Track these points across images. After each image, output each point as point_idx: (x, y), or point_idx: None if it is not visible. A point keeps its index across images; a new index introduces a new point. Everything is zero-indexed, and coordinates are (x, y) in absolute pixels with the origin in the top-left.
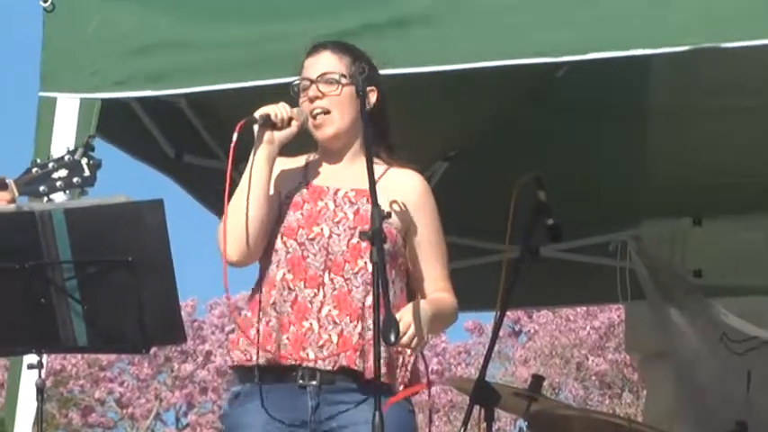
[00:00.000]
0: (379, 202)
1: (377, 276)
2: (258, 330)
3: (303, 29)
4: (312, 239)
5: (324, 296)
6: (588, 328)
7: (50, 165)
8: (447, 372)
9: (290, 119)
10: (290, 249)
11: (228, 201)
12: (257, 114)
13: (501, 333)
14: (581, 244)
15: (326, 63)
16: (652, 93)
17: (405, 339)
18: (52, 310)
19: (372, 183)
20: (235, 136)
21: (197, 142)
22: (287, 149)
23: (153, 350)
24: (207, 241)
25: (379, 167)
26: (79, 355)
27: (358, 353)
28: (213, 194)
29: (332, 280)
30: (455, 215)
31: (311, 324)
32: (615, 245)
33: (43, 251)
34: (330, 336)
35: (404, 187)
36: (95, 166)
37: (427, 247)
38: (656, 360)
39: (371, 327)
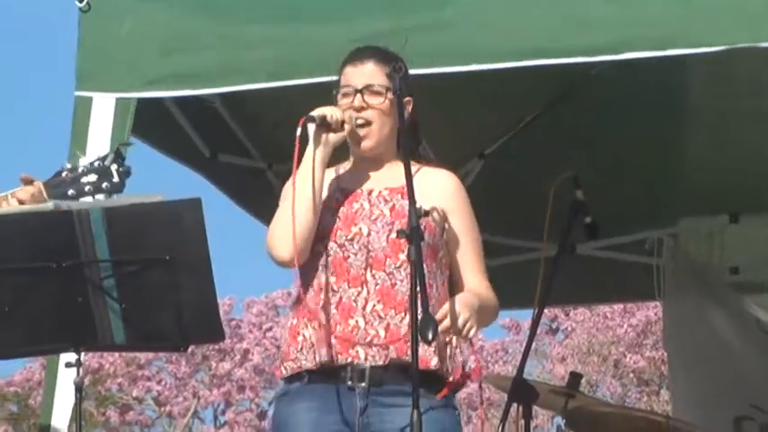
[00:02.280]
0: (421, 195)
1: (414, 275)
2: (305, 336)
3: (337, 30)
4: (351, 240)
5: (367, 293)
6: (626, 325)
7: (80, 169)
8: (484, 370)
9: (343, 122)
10: (331, 252)
11: (293, 194)
12: (315, 114)
13: (538, 331)
14: (618, 242)
15: (372, 74)
16: (689, 91)
17: (458, 326)
18: (90, 308)
19: (410, 182)
20: (298, 131)
21: (232, 141)
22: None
23: (190, 348)
24: (244, 240)
25: (412, 168)
26: (117, 354)
27: (407, 344)
28: (248, 193)
29: (374, 276)
30: (492, 213)
31: (357, 321)
32: (652, 242)
33: (81, 250)
34: (377, 331)
35: (438, 186)
36: (125, 173)
37: (465, 245)
38: (690, 355)
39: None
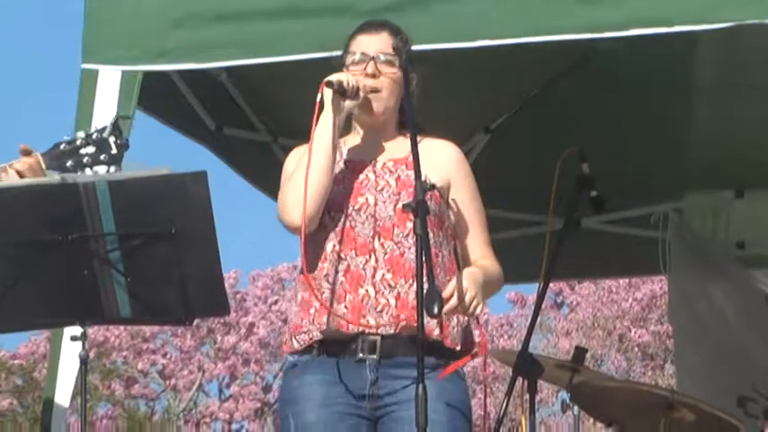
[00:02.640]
0: (424, 164)
1: (420, 249)
2: (316, 308)
3: (349, 3)
4: (358, 210)
5: (376, 261)
6: (630, 299)
7: (78, 141)
8: (489, 344)
9: (358, 89)
10: (338, 221)
11: (309, 158)
12: (333, 79)
13: (543, 305)
14: (623, 216)
15: (386, 43)
16: (696, 67)
17: (465, 303)
18: (95, 281)
19: (416, 155)
20: (319, 96)
21: (237, 115)
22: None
23: (195, 322)
24: (249, 213)
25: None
26: (122, 327)
27: (416, 312)
28: (253, 166)
29: (382, 245)
30: (497, 187)
31: (367, 290)
32: (657, 216)
33: (87, 223)
34: (388, 299)
35: (440, 157)
36: (122, 145)
37: (468, 214)
38: (695, 329)
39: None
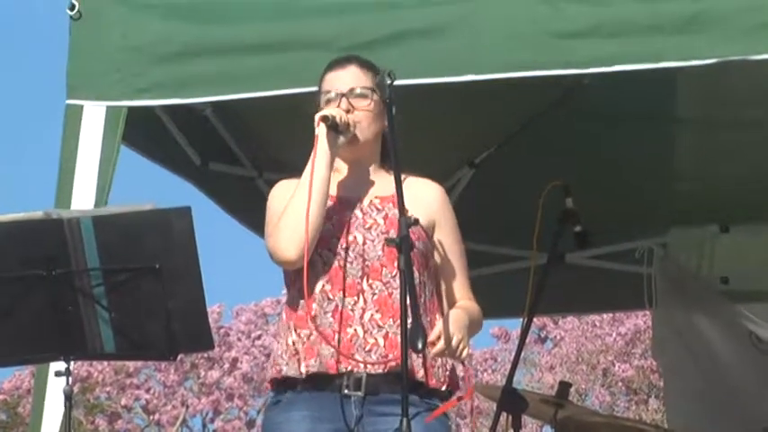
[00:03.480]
0: (410, 203)
1: (404, 284)
2: (287, 344)
3: (330, 37)
4: (347, 248)
5: (365, 302)
6: (614, 334)
7: None
8: (473, 378)
9: (349, 125)
10: (326, 260)
11: (309, 191)
12: (329, 113)
13: (527, 339)
14: (607, 251)
15: (356, 77)
16: (680, 102)
17: (452, 347)
18: (79, 317)
19: (400, 190)
20: (317, 129)
21: (222, 150)
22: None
23: (179, 357)
24: (233, 247)
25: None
26: (106, 362)
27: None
28: (238, 201)
29: (370, 285)
30: (482, 221)
31: (356, 330)
32: (642, 251)
33: (71, 258)
34: (376, 339)
35: (425, 196)
36: None
37: (453, 257)
38: (681, 365)
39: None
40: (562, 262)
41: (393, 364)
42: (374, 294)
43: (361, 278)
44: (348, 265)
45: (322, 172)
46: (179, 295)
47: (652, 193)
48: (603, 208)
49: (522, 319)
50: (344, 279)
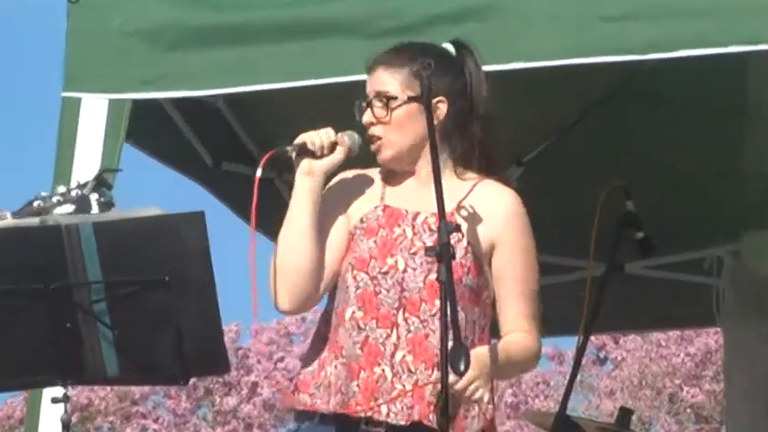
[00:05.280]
0: (467, 221)
1: (445, 298)
2: (326, 373)
3: (359, 21)
4: (385, 273)
5: (398, 338)
6: (682, 354)
7: (55, 198)
8: (523, 405)
9: (334, 144)
10: (361, 284)
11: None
12: (296, 141)
13: (584, 361)
14: (673, 260)
15: (380, 81)
16: (751, 91)
17: (466, 391)
18: (79, 336)
19: (440, 193)
20: (259, 171)
21: (237, 148)
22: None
23: (192, 381)
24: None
25: (466, 183)
26: (108, 388)
27: (432, 406)
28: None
29: (406, 320)
30: (531, 227)
31: (383, 371)
32: (711, 261)
33: (69, 270)
34: (404, 385)
35: (492, 205)
36: (106, 203)
37: (511, 279)
38: (751, 393)
39: None
40: (622, 273)
41: (416, 417)
42: (409, 332)
43: (397, 310)
44: (384, 292)
45: (300, 206)
46: (191, 311)
47: (722, 194)
48: (668, 211)
49: (577, 338)
50: (379, 308)
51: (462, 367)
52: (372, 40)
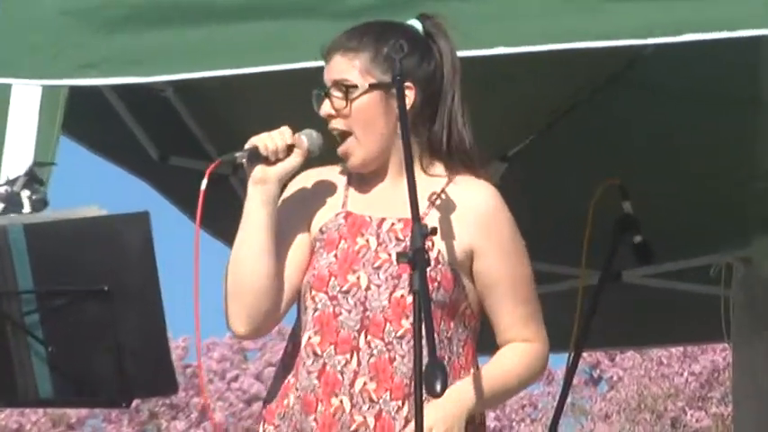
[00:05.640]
0: (438, 226)
1: (418, 309)
2: (289, 403)
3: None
4: (346, 292)
5: (358, 364)
6: (686, 374)
7: None
8: (507, 429)
9: (291, 146)
10: (319, 305)
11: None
12: (247, 145)
13: (575, 380)
14: (675, 267)
15: (338, 69)
16: (764, 81)
17: None
18: (8, 352)
19: (413, 192)
20: (204, 183)
21: (186, 141)
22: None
23: (135, 404)
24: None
25: (438, 180)
26: (41, 411)
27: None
28: (207, 206)
29: (369, 343)
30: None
31: (341, 402)
32: (718, 268)
33: None
34: (365, 418)
35: (466, 206)
36: (39, 201)
37: (499, 285)
38: (760, 417)
39: None
40: (618, 282)
41: None
42: (371, 356)
43: (359, 332)
44: (345, 313)
45: (254, 218)
46: (134, 325)
47: (730, 195)
48: (670, 213)
49: (568, 355)
50: (338, 331)
51: (439, 388)
52: (341, 21)
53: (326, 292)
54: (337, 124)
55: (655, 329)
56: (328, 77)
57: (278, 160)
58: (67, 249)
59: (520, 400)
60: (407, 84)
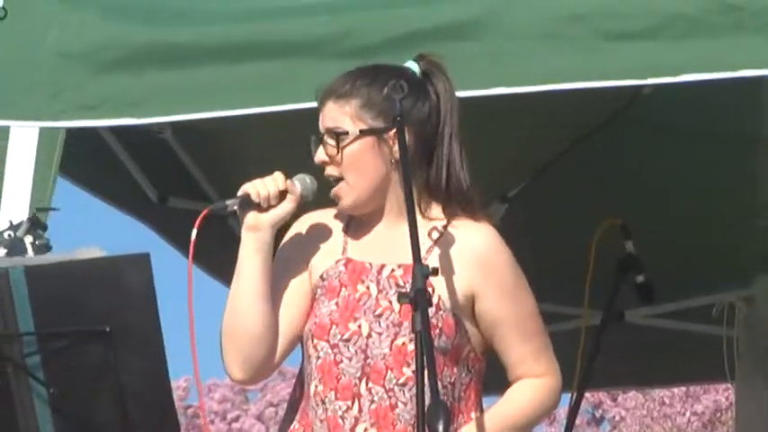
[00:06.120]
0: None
1: (421, 350)
2: None
3: (323, 40)
4: (347, 340)
5: (359, 411)
6: (688, 413)
7: None
8: None
9: (284, 192)
10: (321, 354)
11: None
12: (240, 192)
13: (578, 421)
14: (678, 307)
15: (330, 116)
16: (764, 119)
17: None
18: (9, 394)
19: (415, 233)
20: (194, 234)
21: (185, 182)
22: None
23: None
24: (202, 305)
25: (436, 224)
26: None
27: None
28: (206, 247)
29: (369, 390)
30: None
31: None
32: (720, 308)
33: None
34: None
35: (464, 248)
36: (42, 246)
37: (504, 325)
38: None
39: None
40: (621, 321)
41: None
42: (372, 402)
43: (359, 379)
44: (345, 361)
45: (248, 264)
46: (135, 366)
47: (732, 233)
48: (671, 253)
49: (570, 395)
50: (339, 378)
51: (441, 428)
52: (339, 61)
53: (328, 341)
54: (331, 171)
55: (657, 369)
56: (322, 125)
57: (270, 207)
58: (69, 291)
59: None
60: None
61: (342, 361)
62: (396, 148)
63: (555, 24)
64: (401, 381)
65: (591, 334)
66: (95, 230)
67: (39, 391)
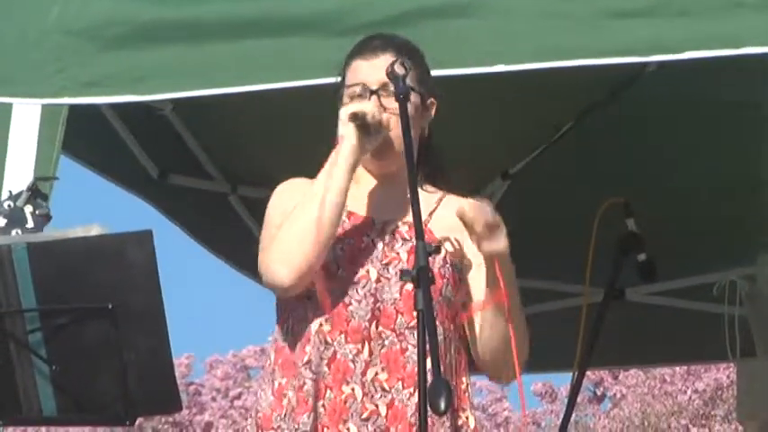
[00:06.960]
0: (438, 235)
1: (422, 327)
2: (289, 400)
3: (329, 17)
4: (356, 283)
5: (370, 354)
6: (689, 391)
7: None
8: None
9: (381, 125)
10: (329, 294)
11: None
12: (356, 110)
13: (579, 399)
14: (679, 285)
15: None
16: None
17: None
18: (12, 370)
19: (417, 211)
20: (342, 129)
21: (186, 159)
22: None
23: (138, 422)
24: (204, 283)
25: (433, 195)
26: (44, 429)
27: (414, 430)
28: (207, 224)
29: (380, 334)
30: (519, 248)
31: (353, 390)
32: (722, 286)
33: (0, 297)
34: (377, 406)
35: (460, 226)
36: (43, 216)
37: (481, 267)
38: None
39: None
40: (622, 300)
41: None
42: (383, 346)
43: (370, 322)
44: (355, 303)
45: (341, 182)
46: (137, 343)
47: (735, 210)
48: (673, 231)
49: (572, 373)
50: (348, 320)
51: (443, 406)
52: (344, 38)
53: (337, 282)
54: (386, 118)
55: (658, 347)
56: (376, 76)
57: (372, 133)
58: (71, 268)
59: (523, 418)
60: (431, 99)
61: (351, 303)
62: (426, 115)
63: (557, 2)
64: (411, 324)
65: (592, 312)
66: (96, 207)
67: (40, 368)
